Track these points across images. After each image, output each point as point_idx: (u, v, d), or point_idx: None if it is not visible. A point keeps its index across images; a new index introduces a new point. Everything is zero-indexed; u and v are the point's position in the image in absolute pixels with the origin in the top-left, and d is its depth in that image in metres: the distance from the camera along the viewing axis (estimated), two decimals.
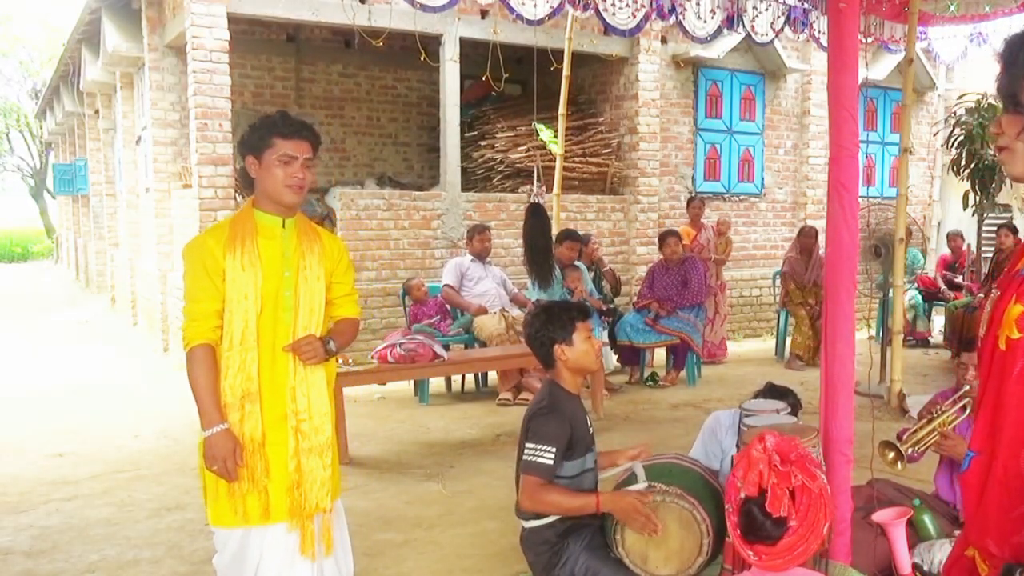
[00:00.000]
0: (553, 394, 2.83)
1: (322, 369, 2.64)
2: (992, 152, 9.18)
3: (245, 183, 2.68)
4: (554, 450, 2.68)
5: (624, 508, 2.63)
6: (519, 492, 2.74)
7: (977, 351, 1.43)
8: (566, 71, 7.51)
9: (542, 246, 6.97)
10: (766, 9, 6.56)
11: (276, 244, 2.61)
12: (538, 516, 2.78)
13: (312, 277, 2.63)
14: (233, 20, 7.39)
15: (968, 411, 3.44)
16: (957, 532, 3.38)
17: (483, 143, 9.13)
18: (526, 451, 2.71)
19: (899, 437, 3.23)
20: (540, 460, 2.68)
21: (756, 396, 3.65)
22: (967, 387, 3.46)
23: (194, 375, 2.53)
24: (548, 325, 2.84)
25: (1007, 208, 11.46)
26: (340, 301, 2.78)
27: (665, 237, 7.62)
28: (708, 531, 2.60)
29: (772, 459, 2.17)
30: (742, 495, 2.21)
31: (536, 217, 7.07)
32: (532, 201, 7.12)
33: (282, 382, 2.57)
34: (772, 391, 3.67)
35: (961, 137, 9.35)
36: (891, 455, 3.10)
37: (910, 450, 3.18)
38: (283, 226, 2.63)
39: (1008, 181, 9.49)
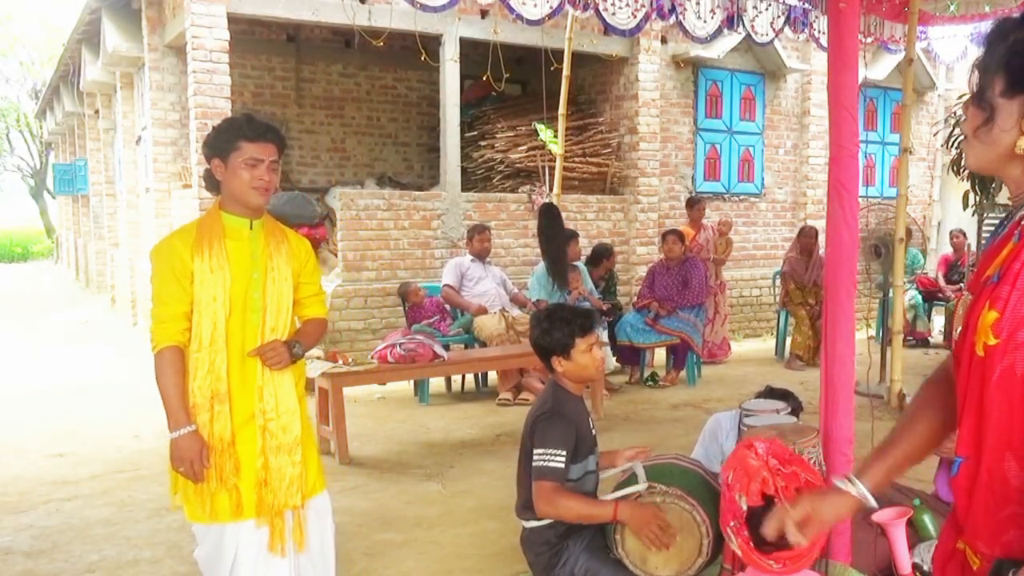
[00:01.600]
0: (557, 396, 2.83)
1: (290, 369, 2.65)
2: None
3: (211, 185, 2.68)
4: (564, 453, 2.68)
5: (640, 520, 2.61)
6: (535, 498, 2.71)
7: (953, 356, 1.44)
8: (566, 71, 7.51)
9: (558, 246, 6.97)
10: (766, 9, 6.56)
11: (244, 246, 2.62)
12: (540, 517, 2.78)
13: (280, 278, 2.64)
14: (233, 20, 7.39)
15: None
16: None
17: (483, 143, 9.13)
18: (536, 457, 2.70)
19: None
20: (552, 464, 2.67)
21: (756, 398, 3.66)
22: None
23: (162, 377, 2.53)
24: (547, 336, 2.82)
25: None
26: (307, 301, 2.79)
27: (665, 235, 7.66)
28: (708, 532, 2.60)
29: (771, 463, 2.15)
30: (744, 507, 2.16)
31: (549, 218, 7.06)
32: (544, 201, 7.10)
33: (251, 382, 2.59)
34: (771, 394, 3.67)
35: (961, 137, 9.34)
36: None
37: None
38: (251, 227, 2.65)
39: None
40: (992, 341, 1.31)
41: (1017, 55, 1.32)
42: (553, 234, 7.02)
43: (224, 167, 2.58)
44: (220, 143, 2.59)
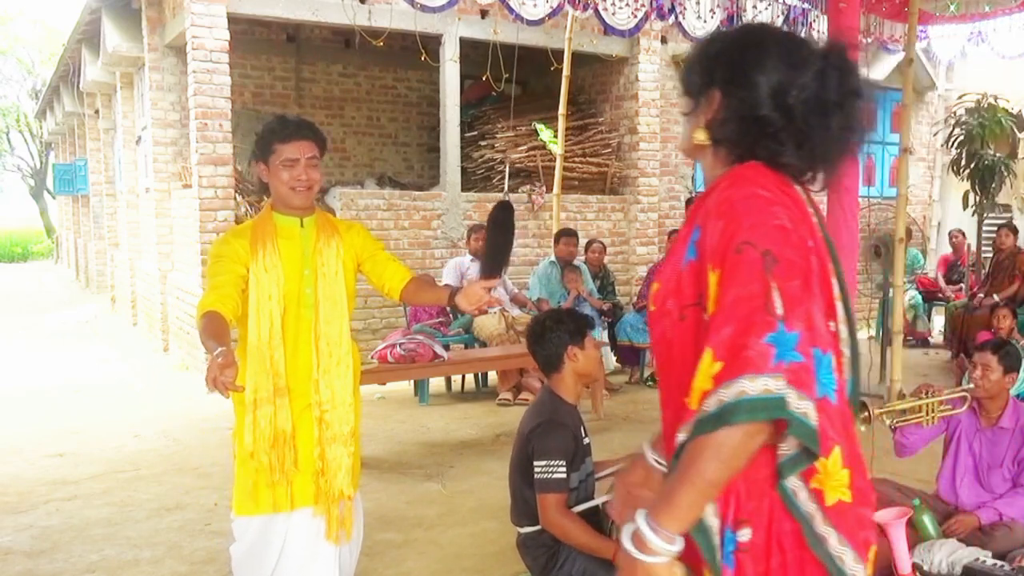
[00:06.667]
0: (553, 406, 2.82)
1: (347, 361, 2.71)
2: (992, 152, 9.18)
3: (261, 188, 2.77)
4: (564, 463, 2.69)
5: None
6: (541, 512, 2.71)
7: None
8: (566, 71, 7.51)
9: (501, 243, 6.93)
10: (766, 8, 6.56)
11: (295, 244, 2.70)
12: (536, 522, 2.77)
13: (330, 274, 2.71)
14: (233, 20, 7.38)
15: (966, 405, 3.47)
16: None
17: (483, 143, 9.13)
18: (537, 470, 2.69)
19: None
20: (555, 476, 2.68)
21: None
22: (971, 385, 3.49)
23: (200, 331, 2.42)
24: (560, 326, 2.86)
25: (1007, 208, 11.46)
26: (388, 266, 2.86)
27: (669, 235, 7.72)
28: None
29: None
30: None
31: (503, 211, 7.04)
32: (503, 199, 7.07)
33: (306, 375, 2.66)
34: None
35: (961, 137, 9.34)
36: (863, 414, 3.14)
37: (887, 419, 3.23)
38: (301, 225, 2.73)
39: (1008, 181, 9.49)
40: (652, 308, 1.51)
41: (689, 69, 1.54)
42: (500, 229, 6.96)
43: (267, 170, 2.68)
44: (260, 148, 2.69)
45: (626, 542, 1.32)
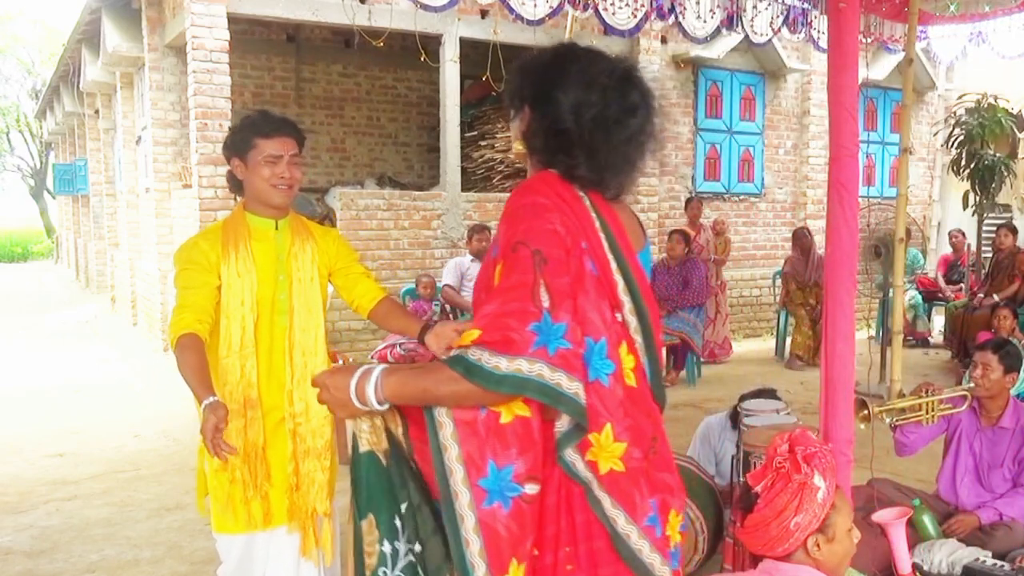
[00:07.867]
0: None
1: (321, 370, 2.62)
2: (992, 152, 9.18)
3: (234, 186, 2.62)
4: None
5: None
6: None
7: None
8: None
9: None
10: (766, 8, 6.55)
11: (270, 247, 2.57)
12: None
13: (306, 279, 2.59)
14: (233, 20, 7.39)
15: (967, 404, 3.48)
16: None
17: (483, 143, 9.13)
18: None
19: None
20: None
21: (750, 397, 3.69)
22: (972, 384, 3.50)
23: (182, 360, 2.35)
24: None
25: (1007, 208, 11.47)
26: (360, 282, 2.76)
27: (670, 235, 7.72)
28: (703, 528, 2.61)
29: (777, 447, 2.16)
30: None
31: None
32: None
33: (279, 386, 2.54)
34: (761, 394, 3.72)
35: (961, 137, 9.35)
36: (863, 412, 3.15)
37: (886, 418, 3.25)
38: (276, 228, 2.59)
39: (1008, 181, 9.49)
40: (473, 298, 1.72)
41: (507, 86, 1.71)
42: None
43: (244, 166, 2.53)
44: (237, 142, 2.54)
45: (354, 376, 1.54)
